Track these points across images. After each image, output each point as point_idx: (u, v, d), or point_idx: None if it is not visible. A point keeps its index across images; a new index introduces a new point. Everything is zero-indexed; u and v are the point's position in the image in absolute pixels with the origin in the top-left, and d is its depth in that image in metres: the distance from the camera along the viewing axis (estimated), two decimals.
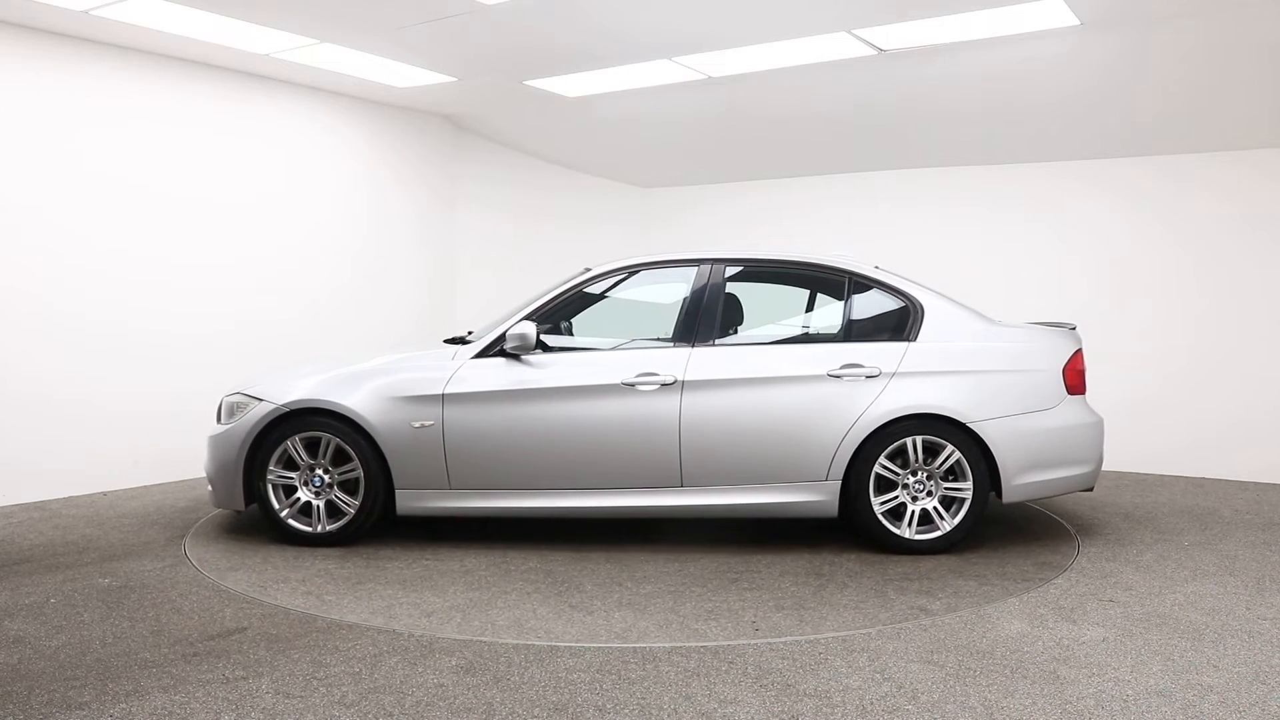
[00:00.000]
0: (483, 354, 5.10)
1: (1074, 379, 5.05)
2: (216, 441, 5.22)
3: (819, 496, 4.90)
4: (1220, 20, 5.40)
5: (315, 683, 3.28)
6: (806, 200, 8.89)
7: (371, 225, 8.03)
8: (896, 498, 4.90)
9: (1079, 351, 5.12)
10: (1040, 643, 3.64)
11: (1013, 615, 3.96)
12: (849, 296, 5.19)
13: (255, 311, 7.23)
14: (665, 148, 8.80)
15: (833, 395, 4.91)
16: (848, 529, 5.24)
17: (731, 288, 5.23)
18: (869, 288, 5.19)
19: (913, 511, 4.90)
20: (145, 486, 6.58)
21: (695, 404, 4.92)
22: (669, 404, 4.93)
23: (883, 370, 4.92)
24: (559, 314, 5.27)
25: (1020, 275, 7.79)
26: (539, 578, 4.56)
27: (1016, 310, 6.88)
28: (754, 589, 4.34)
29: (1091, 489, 5.17)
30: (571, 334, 5.37)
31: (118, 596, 4.23)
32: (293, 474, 5.12)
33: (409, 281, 8.33)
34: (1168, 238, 7.28)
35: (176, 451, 6.77)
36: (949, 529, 4.87)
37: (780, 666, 3.41)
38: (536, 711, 3.05)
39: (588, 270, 5.33)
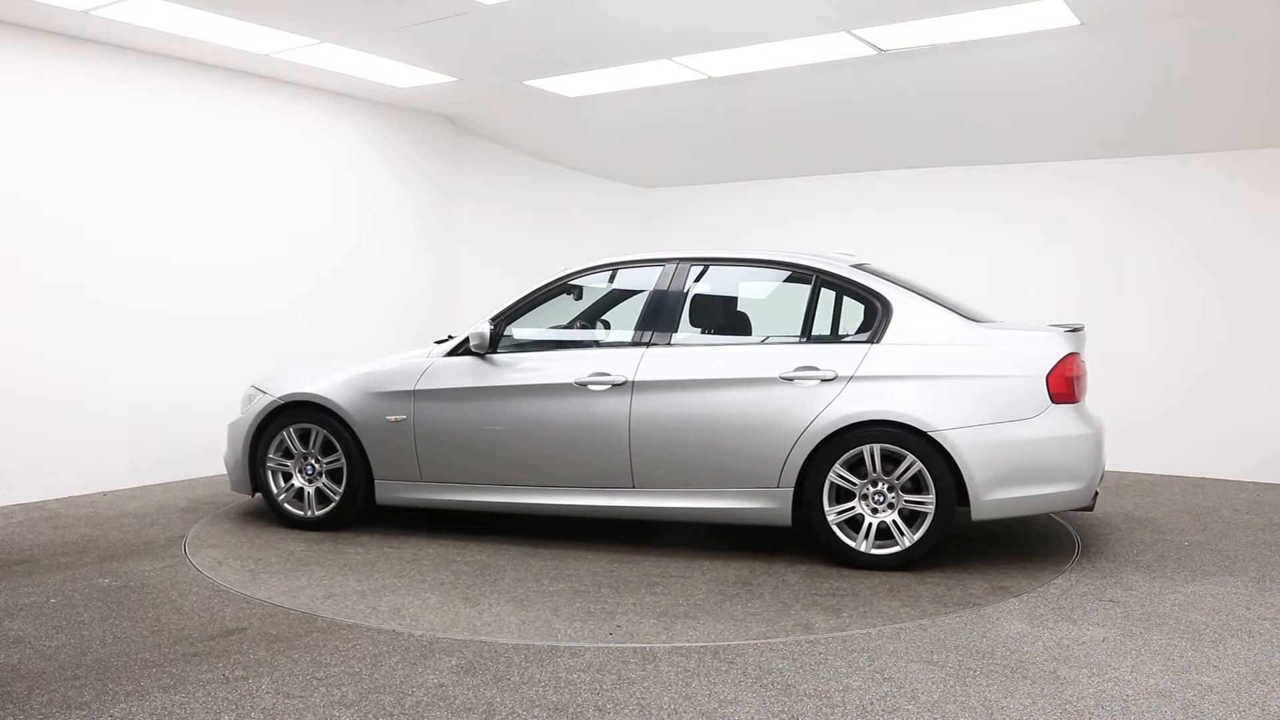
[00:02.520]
0: (453, 353, 5.28)
1: (1060, 386, 4.55)
2: (231, 430, 5.70)
3: (769, 504, 4.69)
4: (1219, 20, 5.40)
5: (315, 683, 3.28)
6: (806, 200, 8.89)
7: (374, 225, 8.03)
8: (853, 509, 4.61)
9: (1069, 357, 4.60)
10: (1040, 643, 3.64)
11: (1013, 615, 3.96)
12: (815, 296, 4.92)
13: (256, 312, 7.23)
14: (665, 148, 8.80)
15: (784, 399, 4.66)
16: (806, 540, 5.04)
17: (697, 287, 5.12)
18: (837, 287, 4.93)
19: (870, 524, 4.59)
20: (145, 486, 6.58)
21: (645, 405, 4.84)
22: (619, 405, 4.88)
23: (839, 373, 4.63)
24: (533, 314, 5.33)
25: (1021, 275, 7.79)
26: (470, 570, 4.69)
27: (1018, 311, 6.88)
28: (662, 594, 4.28)
29: (1089, 508, 4.70)
30: (544, 333, 5.44)
31: (118, 596, 4.23)
32: (289, 462, 5.49)
33: (412, 282, 8.33)
34: (1168, 238, 7.28)
35: (176, 451, 6.78)
36: (909, 544, 4.53)
37: (780, 666, 3.41)
38: (536, 711, 3.05)
39: (566, 270, 5.37)
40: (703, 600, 4.19)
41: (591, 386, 4.93)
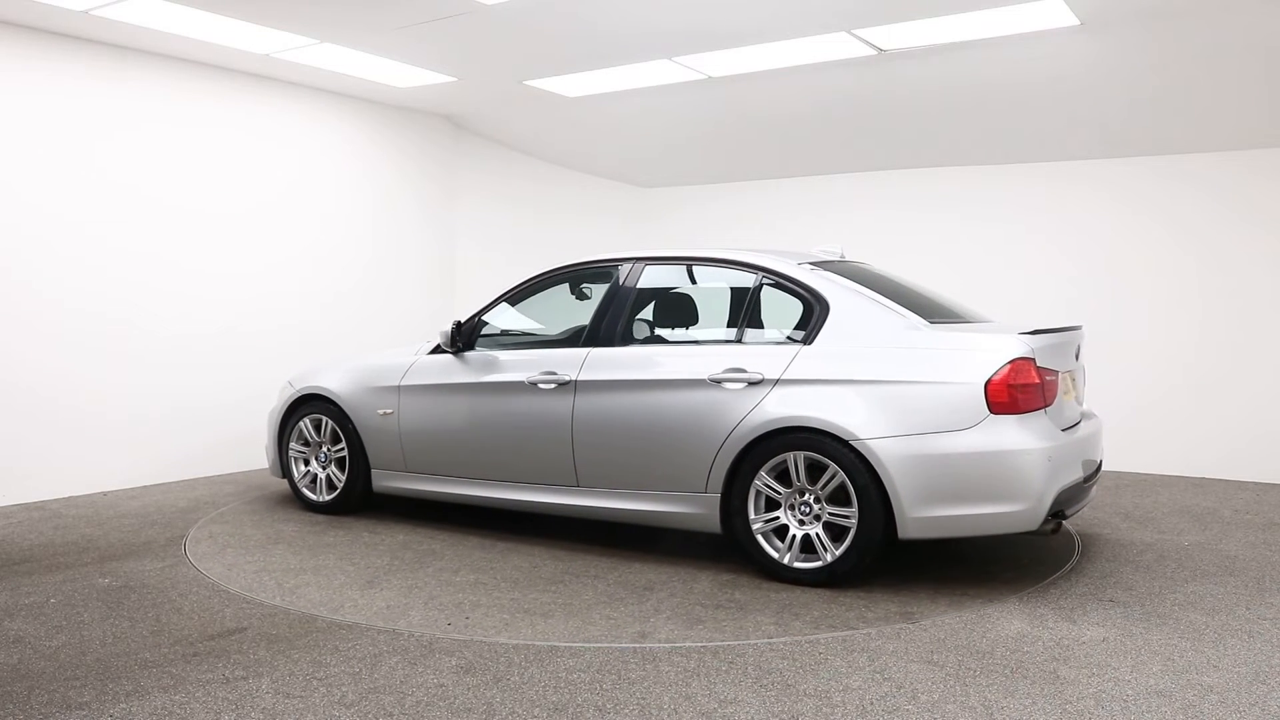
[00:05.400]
0: (434, 350, 5.51)
1: (1001, 395, 4.07)
2: (268, 419, 6.17)
3: (698, 509, 4.56)
4: (1219, 20, 5.40)
5: (315, 683, 3.28)
6: (806, 200, 8.89)
7: (378, 225, 8.03)
8: (778, 518, 4.39)
9: (1016, 362, 4.12)
10: (1040, 643, 3.64)
11: (1013, 615, 3.96)
12: (756, 295, 4.76)
13: (254, 312, 7.23)
14: (665, 148, 8.80)
15: (712, 402, 4.50)
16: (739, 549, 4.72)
17: (646, 287, 5.09)
18: (779, 285, 4.69)
19: (794, 536, 4.34)
20: (145, 486, 6.58)
21: (586, 405, 4.86)
22: (564, 404, 4.92)
23: (766, 376, 4.40)
24: (509, 314, 5.50)
25: (1020, 275, 7.78)
26: (412, 557, 4.92)
27: (1015, 311, 6.88)
28: (552, 592, 4.30)
29: (1047, 531, 4.20)
30: (513, 333, 5.59)
31: (118, 596, 4.23)
32: (306, 450, 5.94)
33: (417, 281, 8.33)
34: (1168, 238, 7.28)
35: (176, 451, 6.78)
36: (831, 560, 4.24)
37: (780, 666, 3.41)
38: (536, 711, 3.05)
39: (538, 272, 5.49)
40: (583, 601, 4.19)
41: (541, 385, 5.00)
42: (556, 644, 3.65)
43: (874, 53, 6.10)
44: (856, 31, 5.73)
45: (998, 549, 4.99)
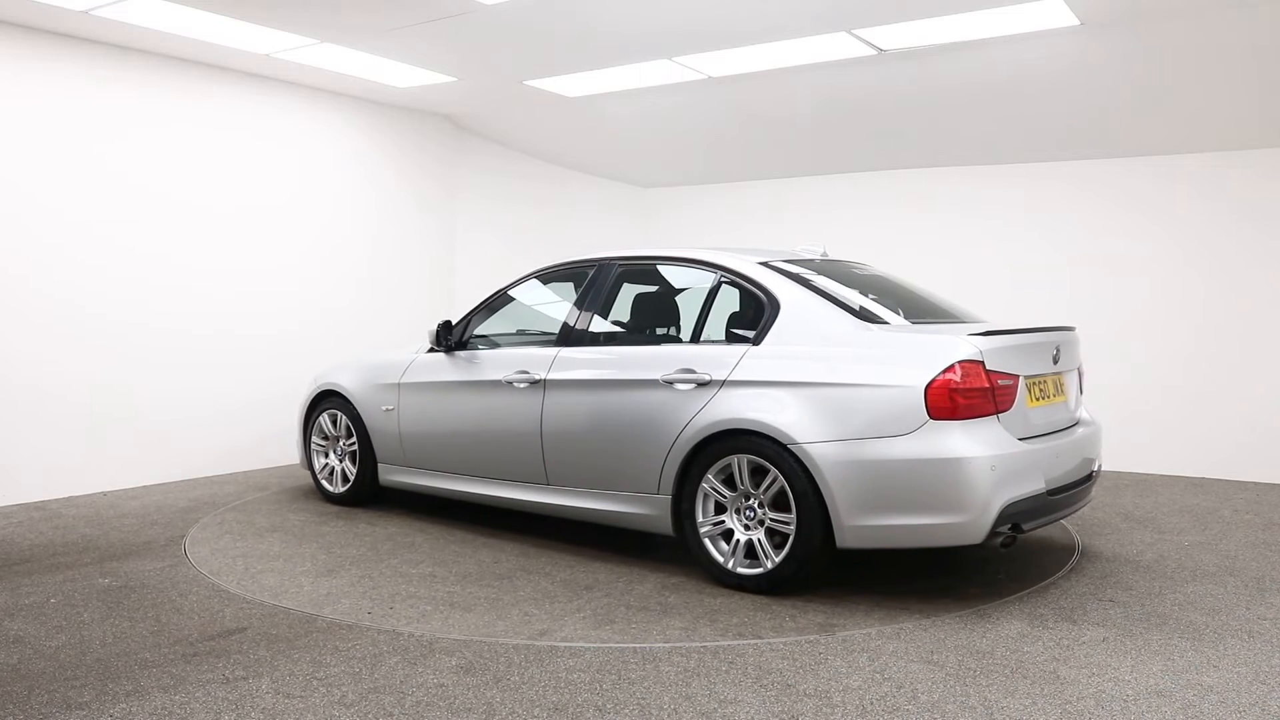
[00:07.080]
0: (431, 349, 5.66)
1: (941, 399, 3.86)
2: (298, 414, 6.39)
3: (651, 510, 4.54)
4: (1219, 21, 5.40)
5: (315, 683, 3.28)
6: (806, 200, 8.90)
7: (378, 226, 8.02)
8: (723, 522, 4.32)
9: (960, 365, 3.90)
10: (1040, 643, 3.64)
11: (1013, 615, 3.96)
12: (714, 294, 4.71)
13: (255, 312, 7.22)
14: (665, 148, 8.80)
15: (663, 403, 4.48)
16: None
17: (614, 288, 5.10)
18: (735, 284, 4.62)
19: (738, 540, 4.26)
20: (145, 486, 6.58)
21: (553, 404, 4.92)
22: (534, 402, 4.99)
23: (713, 377, 4.34)
24: (499, 314, 5.60)
25: (1020, 275, 7.79)
26: (386, 549, 5.05)
27: (1012, 311, 6.88)
28: (496, 588, 4.35)
29: (997, 545, 4.06)
30: (499, 333, 5.66)
31: (118, 596, 4.23)
32: (325, 443, 6.19)
33: (416, 281, 8.32)
34: (1167, 238, 7.29)
35: (176, 451, 6.78)
36: (771, 566, 4.14)
37: (780, 666, 3.41)
38: (536, 711, 3.05)
39: (524, 273, 5.61)
40: (514, 597, 4.22)
41: (516, 384, 5.07)
42: (557, 644, 3.65)
43: (874, 53, 6.10)
44: (856, 31, 5.73)
45: (975, 560, 4.99)
